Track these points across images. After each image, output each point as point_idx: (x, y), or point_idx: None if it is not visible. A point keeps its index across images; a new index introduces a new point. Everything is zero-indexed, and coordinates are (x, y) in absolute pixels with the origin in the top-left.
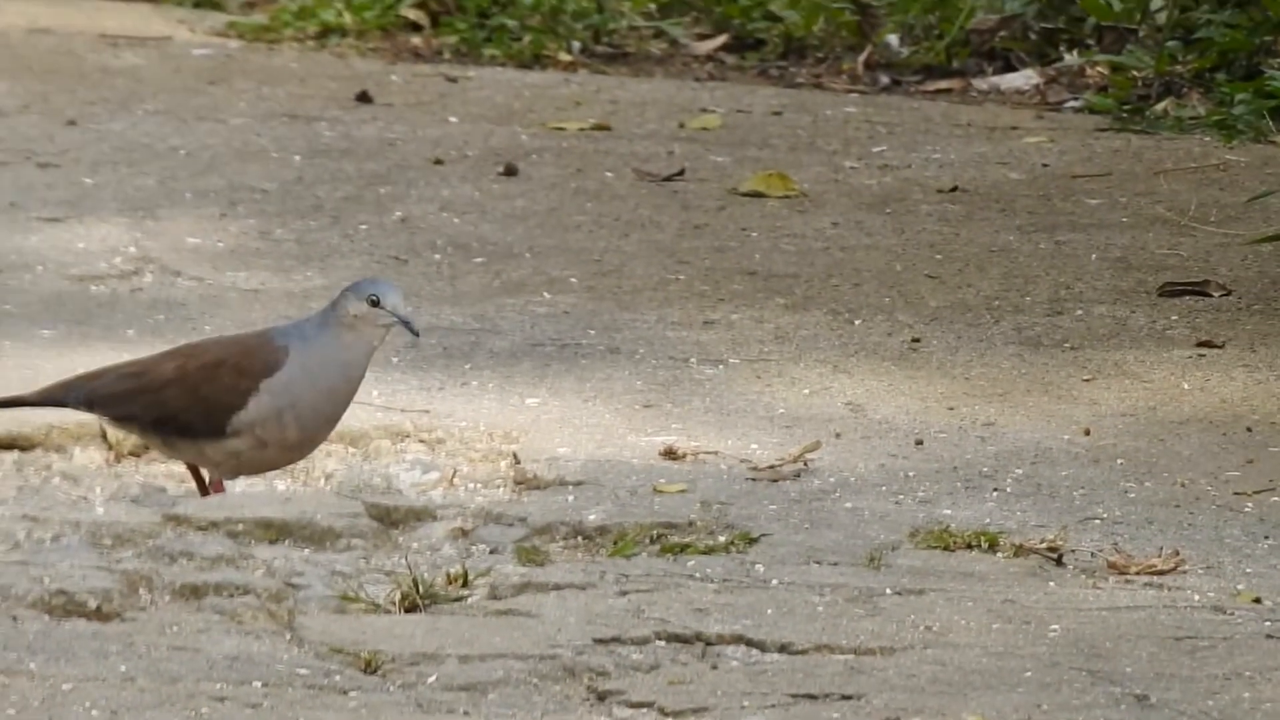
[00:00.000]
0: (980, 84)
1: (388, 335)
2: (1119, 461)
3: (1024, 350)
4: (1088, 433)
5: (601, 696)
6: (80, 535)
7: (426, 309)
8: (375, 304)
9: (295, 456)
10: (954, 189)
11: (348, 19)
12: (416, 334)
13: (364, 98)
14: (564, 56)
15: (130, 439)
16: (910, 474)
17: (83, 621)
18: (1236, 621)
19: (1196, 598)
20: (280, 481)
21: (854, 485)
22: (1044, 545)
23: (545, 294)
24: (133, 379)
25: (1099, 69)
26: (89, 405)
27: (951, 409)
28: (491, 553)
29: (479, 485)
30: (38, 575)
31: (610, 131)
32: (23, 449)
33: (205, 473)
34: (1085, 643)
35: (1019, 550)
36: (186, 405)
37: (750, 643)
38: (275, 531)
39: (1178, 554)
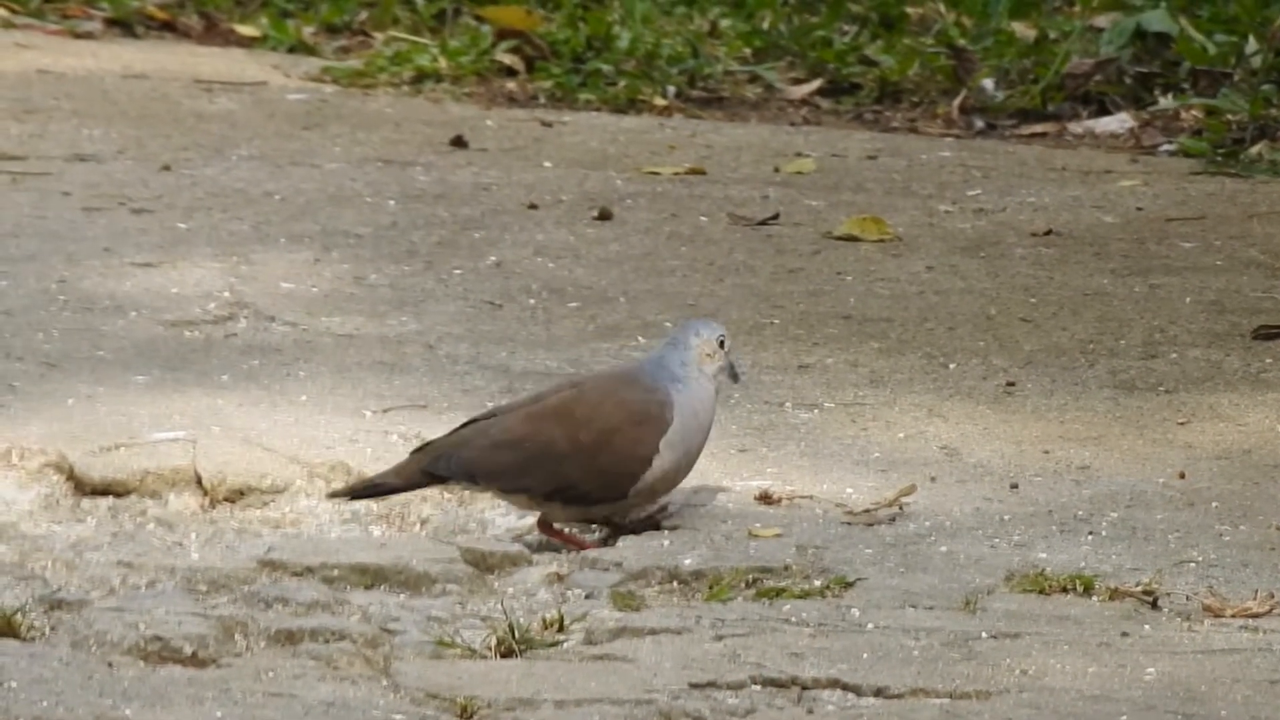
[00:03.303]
0: (1075, 128)
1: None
2: (1214, 504)
3: (1118, 394)
4: (1182, 476)
5: None
6: (175, 581)
7: (521, 354)
8: (722, 345)
9: (681, 478)
10: (1048, 232)
11: (443, 64)
12: (737, 380)
13: (459, 142)
14: (659, 101)
15: (225, 484)
16: (1005, 517)
17: (178, 668)
18: None
19: None
20: (376, 527)
21: (949, 529)
22: (1139, 589)
23: (640, 338)
24: (514, 449)
25: (1193, 112)
26: (470, 479)
27: (1046, 452)
28: (587, 598)
29: (574, 530)
30: (133, 621)
31: (705, 176)
32: (118, 495)
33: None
34: (1180, 686)
35: (1114, 594)
36: (585, 476)
37: (846, 687)
38: (371, 577)
39: (1273, 596)
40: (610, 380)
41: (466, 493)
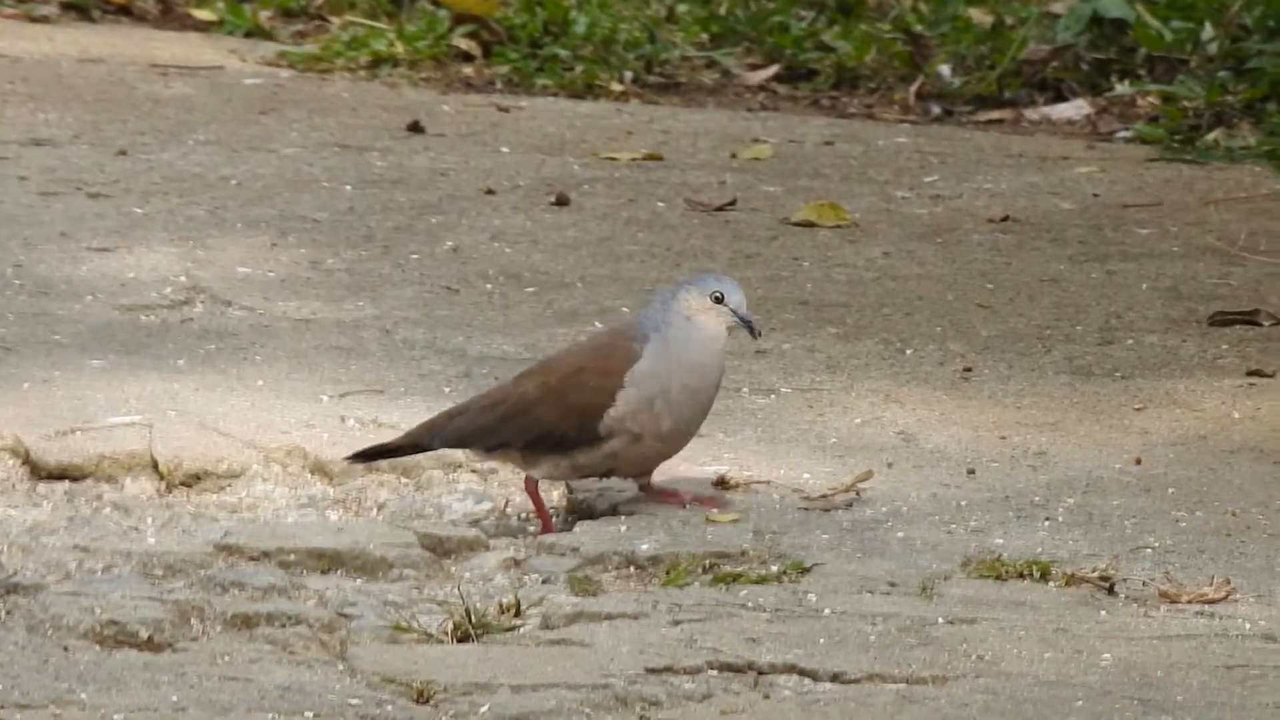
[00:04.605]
0: (1032, 114)
1: (729, 335)
2: (1170, 490)
3: (1075, 379)
4: (1139, 462)
5: None
6: (131, 565)
7: (478, 339)
8: (719, 300)
9: (671, 449)
10: (1005, 219)
11: (399, 49)
12: (757, 335)
13: (416, 128)
14: (616, 86)
15: (181, 469)
16: (962, 503)
17: (134, 652)
18: None
19: (1248, 626)
20: (333, 512)
21: (906, 514)
22: (1096, 574)
23: (597, 323)
24: (494, 409)
25: (1150, 99)
26: (459, 443)
27: (1003, 438)
28: (544, 582)
29: (531, 515)
30: (89, 605)
31: (662, 161)
32: (74, 479)
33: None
34: (1137, 671)
35: (1071, 579)
36: (559, 417)
37: (802, 672)
38: (327, 561)
39: (1229, 583)
40: (597, 334)
41: (436, 473)
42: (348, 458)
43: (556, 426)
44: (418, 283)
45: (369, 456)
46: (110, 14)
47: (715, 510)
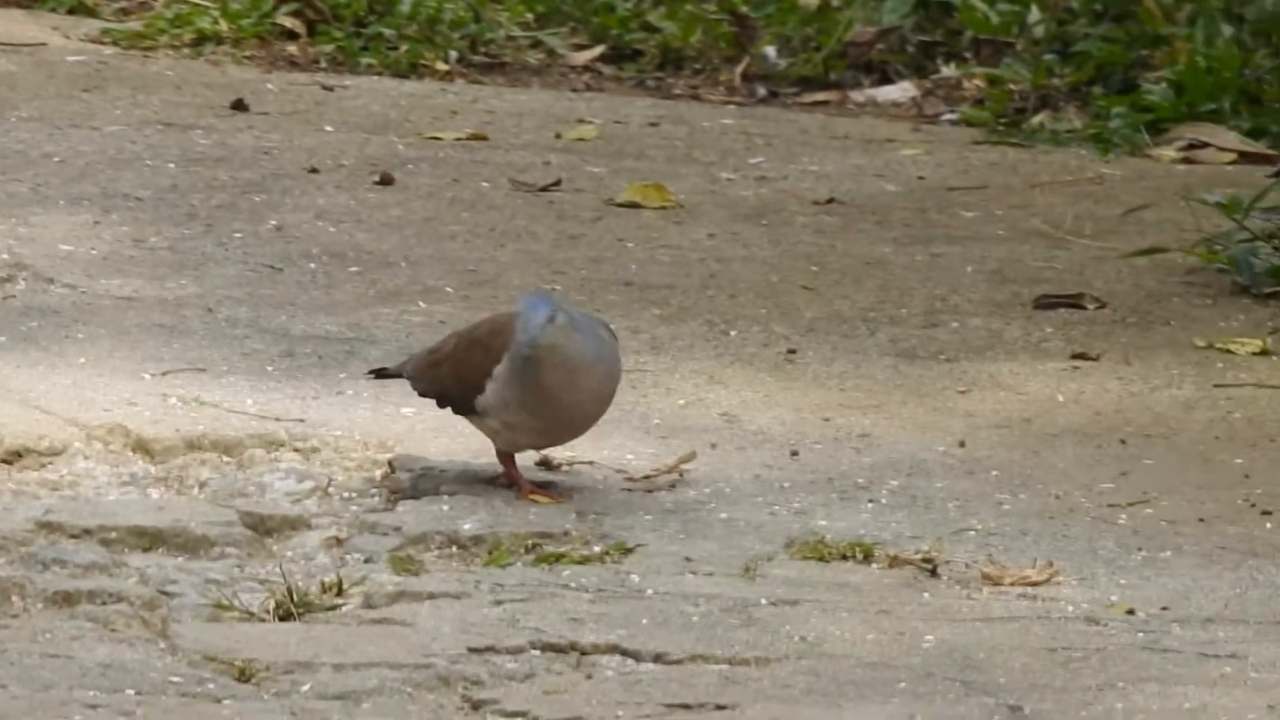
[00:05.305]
0: (857, 96)
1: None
2: (994, 473)
3: (899, 362)
4: (963, 444)
5: (476, 706)
6: None
7: (301, 318)
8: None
9: (547, 442)
10: (830, 201)
11: (223, 26)
12: (525, 356)
13: (239, 106)
14: (441, 66)
15: (2, 446)
16: (786, 485)
17: None
18: (1109, 633)
19: (1070, 609)
20: (154, 490)
21: (729, 496)
22: (919, 556)
23: (421, 303)
24: (429, 354)
25: (976, 82)
26: (410, 380)
27: (827, 420)
28: (366, 562)
29: (354, 494)
30: None
31: (486, 141)
32: None
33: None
34: (959, 653)
35: (894, 561)
36: (450, 384)
37: (625, 653)
38: (149, 539)
39: (1052, 565)
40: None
41: (258, 451)
42: (368, 373)
43: (449, 391)
44: (241, 261)
45: (380, 375)
46: None
47: (548, 499)
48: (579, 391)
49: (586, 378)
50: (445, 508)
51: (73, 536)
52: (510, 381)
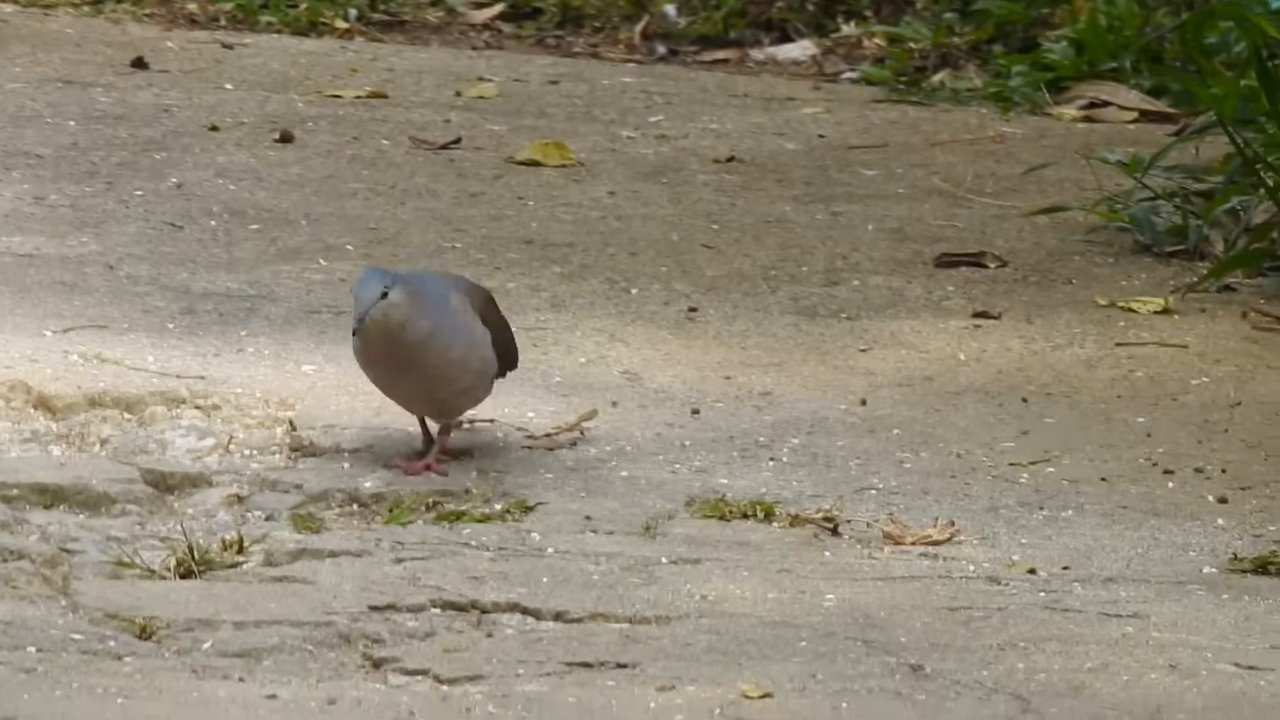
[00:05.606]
0: (757, 54)
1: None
2: (895, 432)
3: (800, 320)
4: (864, 403)
5: (377, 664)
6: None
7: (202, 275)
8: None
9: (419, 410)
10: (730, 159)
11: None
12: (355, 334)
13: (139, 64)
14: (340, 24)
15: None
16: (687, 443)
17: None
18: (1011, 592)
19: (971, 568)
20: (55, 447)
21: (630, 454)
22: (820, 515)
23: (321, 261)
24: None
25: (876, 40)
26: None
27: (728, 378)
28: (267, 519)
29: (255, 452)
30: None
31: (387, 99)
32: None
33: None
34: (860, 612)
35: (795, 520)
36: None
37: (525, 611)
38: (50, 497)
39: (953, 524)
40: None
41: (159, 409)
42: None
43: None
44: (142, 219)
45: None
46: None
47: (433, 474)
48: (415, 369)
49: (422, 354)
50: (346, 465)
51: None
52: (356, 356)
